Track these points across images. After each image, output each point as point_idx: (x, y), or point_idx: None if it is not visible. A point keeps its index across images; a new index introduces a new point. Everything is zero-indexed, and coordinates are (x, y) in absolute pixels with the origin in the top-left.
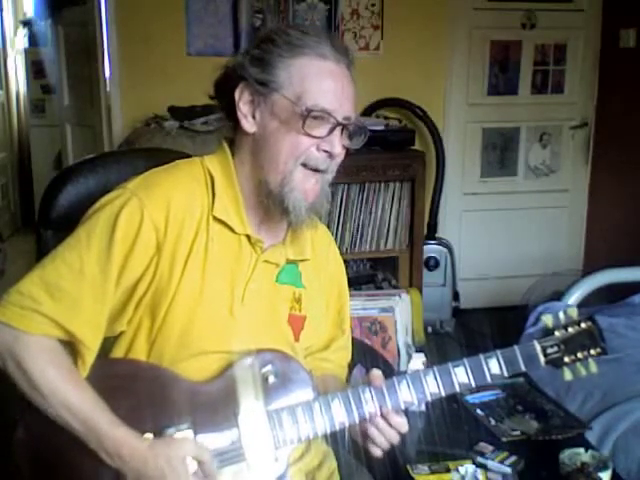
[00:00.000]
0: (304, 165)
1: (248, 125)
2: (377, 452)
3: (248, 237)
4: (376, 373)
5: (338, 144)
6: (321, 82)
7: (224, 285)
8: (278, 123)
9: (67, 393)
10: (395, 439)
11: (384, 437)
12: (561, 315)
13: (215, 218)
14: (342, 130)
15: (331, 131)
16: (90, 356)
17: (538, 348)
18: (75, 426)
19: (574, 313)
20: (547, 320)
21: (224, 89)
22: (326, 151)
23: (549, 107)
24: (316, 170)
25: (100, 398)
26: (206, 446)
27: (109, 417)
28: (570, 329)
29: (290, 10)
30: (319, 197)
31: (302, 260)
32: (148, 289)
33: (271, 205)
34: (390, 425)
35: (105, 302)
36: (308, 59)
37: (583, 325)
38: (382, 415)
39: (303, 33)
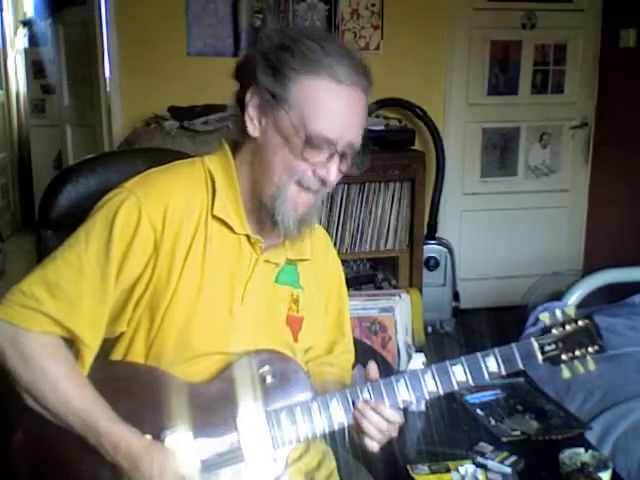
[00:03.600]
0: (298, 183)
1: (253, 129)
2: (374, 447)
3: (248, 237)
4: (372, 365)
5: (334, 171)
6: (329, 109)
7: (223, 285)
8: (280, 139)
9: (66, 389)
10: (389, 431)
11: (377, 430)
12: (558, 313)
13: (215, 217)
14: (341, 157)
15: (330, 158)
16: (90, 355)
17: (535, 346)
18: (73, 423)
19: (572, 311)
20: (544, 318)
21: (240, 80)
22: (321, 176)
23: (549, 107)
24: (309, 190)
25: (99, 395)
26: (198, 473)
27: (108, 414)
28: (568, 327)
29: (290, 10)
30: (310, 209)
31: (301, 260)
32: (146, 289)
33: (262, 215)
34: (383, 418)
35: (105, 300)
36: (321, 81)
37: (581, 323)
38: (373, 409)
39: (322, 49)
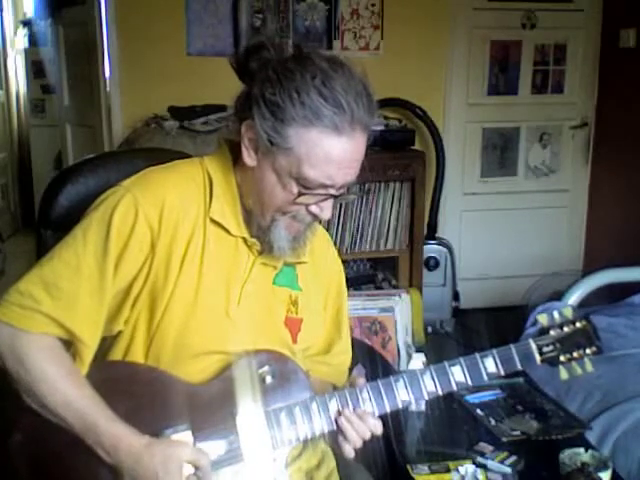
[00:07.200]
0: (292, 217)
1: (249, 159)
2: (350, 452)
3: (244, 239)
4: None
5: (328, 210)
6: (327, 159)
7: (220, 286)
8: (275, 178)
9: (66, 390)
10: (367, 435)
11: (357, 433)
12: (556, 314)
13: (212, 220)
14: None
15: (324, 200)
16: (88, 354)
17: (534, 347)
18: (73, 423)
19: (569, 312)
20: (542, 319)
21: (236, 108)
22: (314, 213)
23: (549, 107)
24: (302, 221)
25: (98, 395)
26: (205, 452)
27: (107, 414)
28: (565, 328)
29: (290, 10)
30: (303, 232)
31: (299, 263)
32: (143, 288)
33: (255, 232)
34: (364, 423)
35: (103, 299)
36: (320, 134)
37: (578, 324)
38: (357, 414)
39: (323, 97)
